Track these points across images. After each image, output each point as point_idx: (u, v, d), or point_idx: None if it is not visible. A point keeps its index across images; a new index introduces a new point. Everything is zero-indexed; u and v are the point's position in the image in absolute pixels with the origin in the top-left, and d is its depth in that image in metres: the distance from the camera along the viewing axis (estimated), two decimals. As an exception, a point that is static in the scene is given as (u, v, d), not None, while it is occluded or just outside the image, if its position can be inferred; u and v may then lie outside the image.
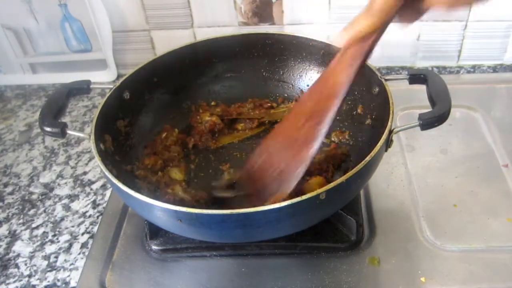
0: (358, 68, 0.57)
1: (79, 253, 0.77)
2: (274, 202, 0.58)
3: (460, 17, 1.04)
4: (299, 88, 0.93)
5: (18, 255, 0.78)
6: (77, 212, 0.84)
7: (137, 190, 0.61)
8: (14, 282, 0.73)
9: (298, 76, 0.93)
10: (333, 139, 0.84)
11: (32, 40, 1.15)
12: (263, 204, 0.57)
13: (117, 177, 0.63)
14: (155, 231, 0.74)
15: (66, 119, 1.05)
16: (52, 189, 0.89)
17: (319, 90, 0.64)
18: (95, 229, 0.80)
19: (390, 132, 0.66)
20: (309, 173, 0.71)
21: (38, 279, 0.74)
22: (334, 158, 0.79)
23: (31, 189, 0.90)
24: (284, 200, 0.57)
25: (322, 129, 0.63)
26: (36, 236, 0.80)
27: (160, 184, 0.78)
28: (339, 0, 1.03)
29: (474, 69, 1.11)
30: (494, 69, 1.11)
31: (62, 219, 0.83)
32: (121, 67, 1.16)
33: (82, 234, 0.80)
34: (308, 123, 0.64)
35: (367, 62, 0.60)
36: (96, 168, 0.93)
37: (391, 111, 0.68)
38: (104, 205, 0.84)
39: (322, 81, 0.64)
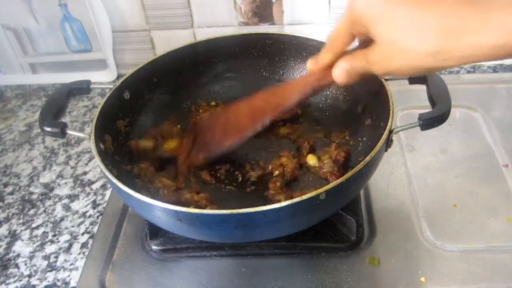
0: (305, 95, 0.65)
1: (79, 253, 0.77)
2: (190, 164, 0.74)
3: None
4: (299, 88, 0.93)
5: (18, 255, 0.78)
6: (77, 212, 0.84)
7: (137, 190, 0.61)
8: (14, 282, 0.73)
9: (298, 76, 0.93)
10: (333, 139, 0.84)
11: (32, 40, 1.15)
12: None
13: (117, 177, 0.63)
14: (155, 231, 0.74)
15: (66, 119, 1.05)
16: (52, 189, 0.89)
17: (272, 95, 0.71)
18: (95, 229, 0.80)
19: (390, 132, 0.66)
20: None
21: (38, 279, 0.74)
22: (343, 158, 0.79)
23: (31, 189, 0.90)
24: (283, 200, 0.57)
25: (256, 126, 0.71)
26: (36, 236, 0.80)
27: (160, 184, 0.78)
28: (339, 0, 1.03)
29: (474, 69, 1.11)
30: (494, 69, 1.10)
31: (62, 219, 0.83)
32: (121, 67, 1.16)
33: (82, 234, 0.80)
34: (251, 116, 0.72)
35: (315, 95, 0.72)
36: (96, 168, 0.93)
37: (391, 111, 0.67)
38: (104, 205, 0.84)
39: (279, 89, 0.71)
